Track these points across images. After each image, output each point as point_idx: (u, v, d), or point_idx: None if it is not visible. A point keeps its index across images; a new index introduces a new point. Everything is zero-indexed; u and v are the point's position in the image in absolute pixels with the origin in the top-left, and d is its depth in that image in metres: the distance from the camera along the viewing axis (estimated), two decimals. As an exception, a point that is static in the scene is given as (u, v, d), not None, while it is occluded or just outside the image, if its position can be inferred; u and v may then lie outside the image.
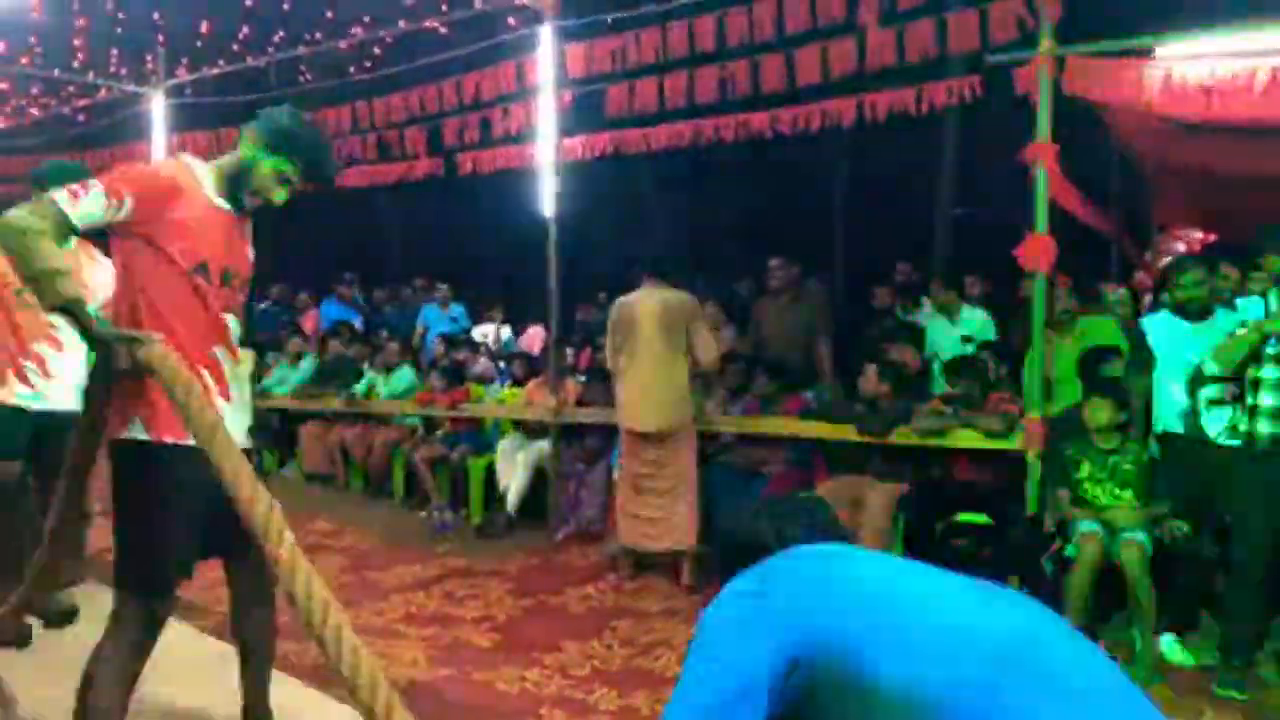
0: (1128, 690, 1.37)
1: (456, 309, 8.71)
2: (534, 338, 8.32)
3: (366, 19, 6.97)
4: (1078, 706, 1.30)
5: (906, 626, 1.40)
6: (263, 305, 9.82)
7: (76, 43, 7.40)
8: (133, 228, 2.38)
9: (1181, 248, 7.35)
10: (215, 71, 7.80)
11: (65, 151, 9.14)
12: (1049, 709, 1.28)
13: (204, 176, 2.51)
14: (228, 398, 2.56)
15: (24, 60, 7.84)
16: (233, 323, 2.60)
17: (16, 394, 3.80)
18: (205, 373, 2.46)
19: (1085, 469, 4.10)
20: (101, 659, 2.43)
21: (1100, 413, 4.04)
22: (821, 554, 1.59)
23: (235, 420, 2.50)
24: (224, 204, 2.53)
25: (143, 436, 2.41)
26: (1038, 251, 4.41)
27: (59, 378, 3.84)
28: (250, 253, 2.68)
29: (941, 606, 1.44)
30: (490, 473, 6.36)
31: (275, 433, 7.84)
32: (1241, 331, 3.65)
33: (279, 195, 2.55)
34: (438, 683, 3.66)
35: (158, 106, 7.97)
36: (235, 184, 2.52)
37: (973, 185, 14.15)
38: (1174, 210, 7.05)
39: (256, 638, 2.82)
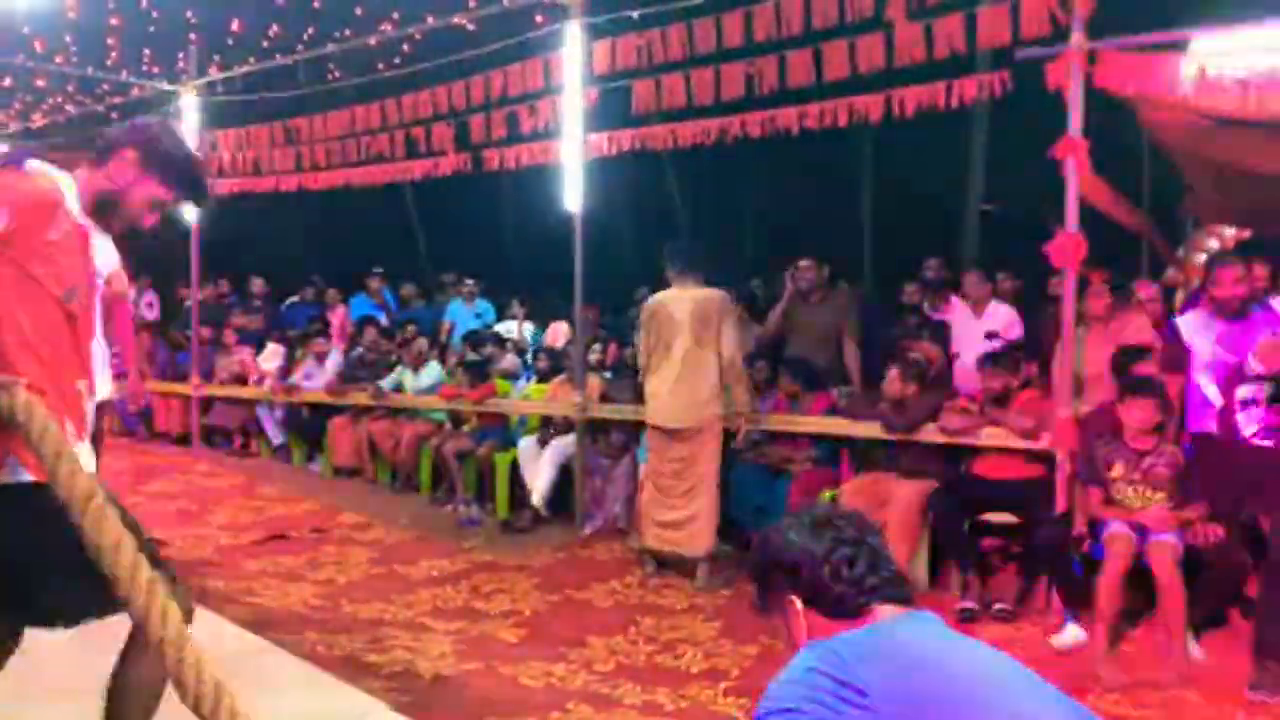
0: None
1: (482, 305, 8.76)
2: (556, 334, 8.34)
3: (395, 16, 7.00)
4: None
5: None
6: (293, 300, 9.93)
7: (110, 41, 7.49)
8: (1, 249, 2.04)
9: (1215, 244, 7.24)
10: (246, 69, 7.88)
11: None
12: None
13: (67, 190, 2.20)
14: (81, 437, 2.21)
15: (59, 59, 7.95)
16: (96, 350, 2.36)
17: None
18: (67, 415, 2.12)
19: (1118, 469, 4.05)
20: None
21: (1140, 413, 3.98)
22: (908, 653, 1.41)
23: (86, 458, 2.16)
24: (86, 222, 2.23)
25: (24, 479, 2.05)
26: (1068, 248, 4.36)
27: None
28: (95, 268, 2.35)
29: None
30: (516, 468, 6.39)
31: (304, 427, 7.91)
32: None
33: (150, 220, 2.30)
34: (464, 676, 3.69)
35: (189, 104, 8.08)
36: (105, 205, 2.24)
37: (1004, 181, 14.01)
38: (1207, 206, 6.92)
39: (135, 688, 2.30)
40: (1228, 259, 4.29)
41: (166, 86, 8.25)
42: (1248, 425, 3.92)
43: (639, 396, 6.07)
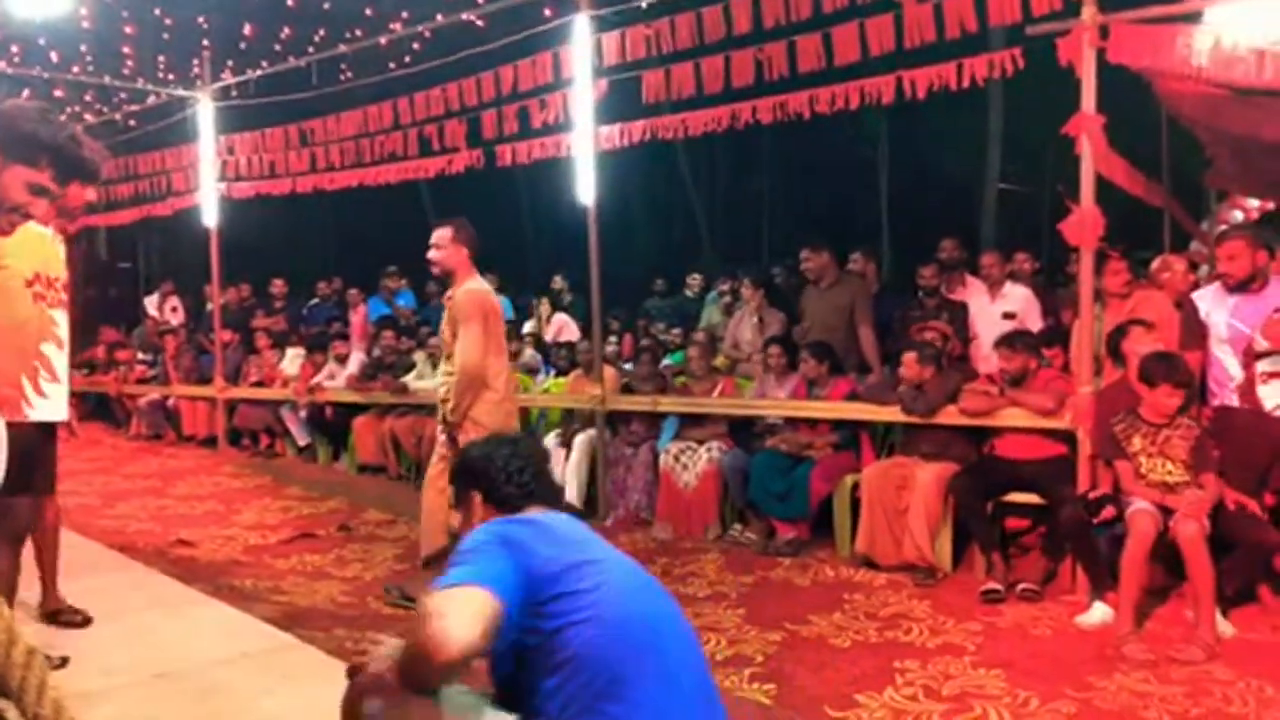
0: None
1: (502, 301, 8.78)
2: (560, 327, 8.37)
3: (404, 15, 7.03)
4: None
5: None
6: (314, 301, 10.01)
7: (125, 50, 7.57)
8: None
9: (1239, 216, 7.15)
10: (259, 73, 7.94)
11: (118, 157, 9.40)
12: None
13: None
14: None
15: (75, 69, 8.04)
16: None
17: (35, 406, 3.31)
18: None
19: (1137, 443, 4.03)
20: None
21: (1169, 399, 3.94)
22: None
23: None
24: None
25: None
26: (1083, 225, 4.33)
27: (63, 382, 3.45)
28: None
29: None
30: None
31: (328, 426, 7.99)
32: None
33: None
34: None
35: (205, 110, 8.16)
36: None
37: (1022, 159, 13.90)
38: (1229, 178, 6.83)
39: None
40: (1229, 234, 4.25)
41: (182, 93, 8.34)
42: (1271, 398, 3.88)
43: (661, 387, 6.11)
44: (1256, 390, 3.91)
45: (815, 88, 5.37)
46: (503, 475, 2.07)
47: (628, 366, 6.92)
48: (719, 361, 6.49)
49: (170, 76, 8.34)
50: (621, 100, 6.19)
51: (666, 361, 6.80)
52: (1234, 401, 4.02)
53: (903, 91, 5.07)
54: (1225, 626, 3.84)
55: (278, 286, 9.62)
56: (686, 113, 6.01)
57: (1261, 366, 3.89)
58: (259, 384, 8.59)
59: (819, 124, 5.91)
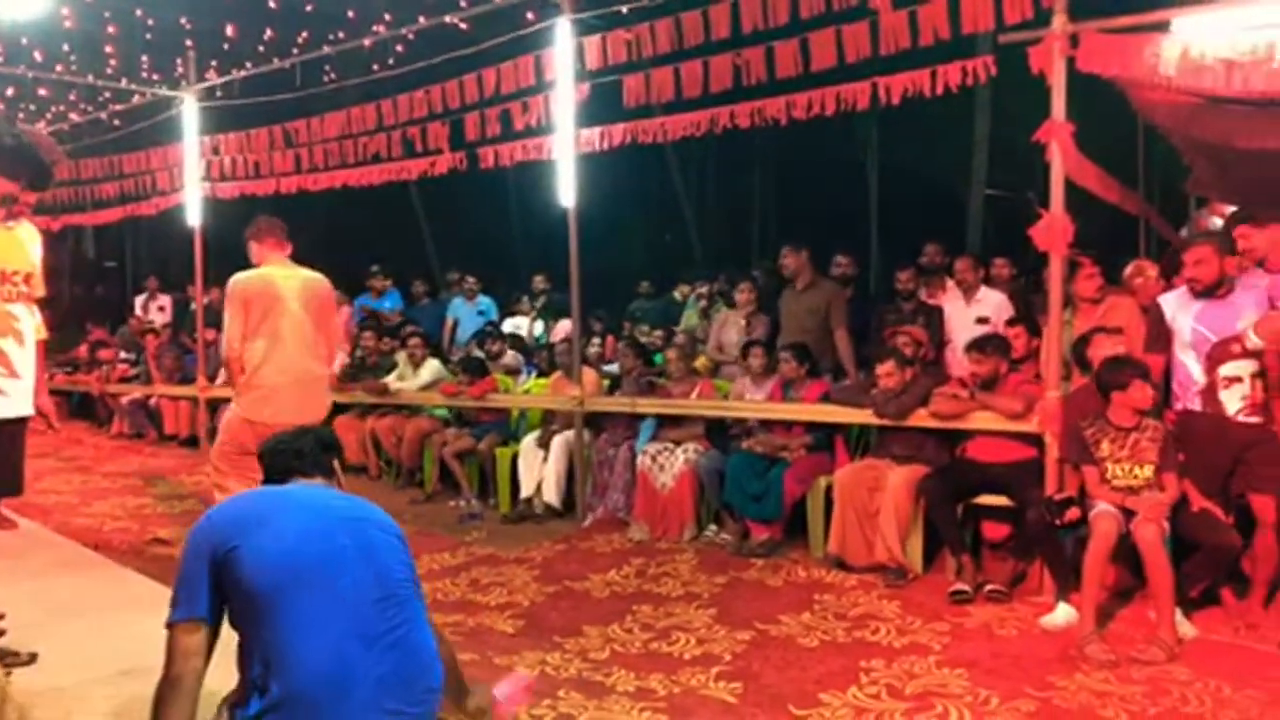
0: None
1: (484, 302, 8.82)
2: (562, 331, 8.38)
3: (388, 17, 7.06)
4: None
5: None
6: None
7: (108, 50, 7.58)
8: None
9: (1219, 223, 7.21)
10: (243, 73, 7.96)
11: (105, 156, 9.41)
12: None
13: None
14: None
15: (59, 68, 8.05)
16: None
17: None
18: None
19: (1106, 448, 4.07)
20: None
21: (1140, 394, 3.99)
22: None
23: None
24: None
25: None
26: (1053, 231, 4.38)
27: (24, 377, 3.40)
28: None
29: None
30: (518, 463, 6.46)
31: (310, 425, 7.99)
32: None
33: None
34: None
35: (189, 110, 8.16)
36: None
37: (1008, 165, 13.95)
38: (1206, 185, 6.90)
39: None
40: (1197, 240, 4.31)
41: (167, 93, 8.35)
42: (1232, 402, 3.93)
43: (644, 389, 6.13)
44: (1219, 394, 3.96)
45: (793, 93, 5.42)
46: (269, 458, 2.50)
47: (608, 368, 6.95)
48: (700, 363, 6.52)
49: (154, 76, 8.35)
50: (605, 103, 6.23)
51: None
52: (1197, 406, 4.07)
53: (878, 97, 5.12)
54: (1187, 628, 3.89)
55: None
56: (666, 116, 6.06)
57: (1223, 371, 3.94)
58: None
59: (809, 129, 5.95)
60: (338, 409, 7.69)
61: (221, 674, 2.21)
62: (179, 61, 8.11)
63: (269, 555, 2.11)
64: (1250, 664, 3.64)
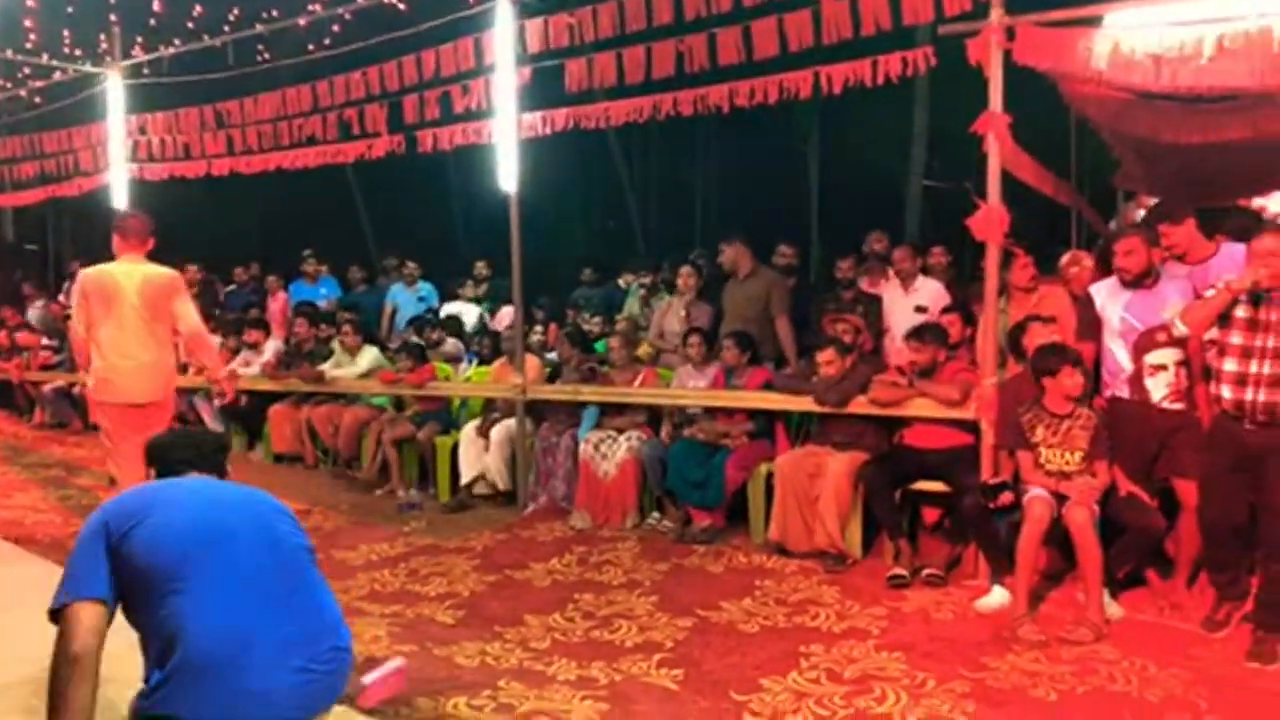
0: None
1: (425, 288, 8.69)
2: (504, 318, 8.29)
3: (324, -5, 6.89)
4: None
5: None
6: (231, 288, 9.77)
7: (28, 23, 7.26)
8: None
9: (1144, 215, 7.42)
10: (172, 51, 7.70)
11: (25, 134, 9.03)
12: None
13: None
14: None
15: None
16: None
17: None
18: None
19: (1040, 433, 4.17)
20: None
21: (1071, 380, 4.08)
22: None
23: None
24: None
25: None
26: (990, 221, 4.45)
27: None
28: None
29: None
30: (458, 451, 6.39)
31: (243, 415, 7.82)
32: (1211, 293, 3.70)
33: None
34: (397, 658, 3.69)
35: (115, 87, 7.87)
36: None
37: (947, 156, 14.17)
38: (1134, 179, 7.09)
39: None
40: (1126, 231, 4.42)
41: (90, 69, 8.04)
42: (1157, 390, 4.05)
43: (586, 376, 6.10)
44: (1145, 382, 4.07)
45: (735, 81, 5.42)
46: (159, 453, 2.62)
47: (551, 355, 6.90)
48: (642, 351, 6.51)
49: (77, 52, 8.03)
50: (547, 87, 6.16)
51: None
52: (1125, 393, 4.18)
53: (819, 87, 5.14)
54: (1114, 608, 4.01)
55: (190, 272, 9.34)
56: (609, 102, 6.01)
57: (1149, 359, 4.05)
58: (181, 366, 8.32)
59: (752, 118, 5.97)
60: (272, 397, 7.54)
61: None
62: (103, 37, 7.81)
63: (165, 533, 2.18)
64: (1174, 643, 3.76)
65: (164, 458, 2.57)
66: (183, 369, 8.22)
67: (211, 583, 2.13)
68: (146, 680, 2.12)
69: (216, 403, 7.99)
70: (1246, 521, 3.72)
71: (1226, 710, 3.21)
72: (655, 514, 5.61)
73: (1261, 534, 3.66)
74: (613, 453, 5.68)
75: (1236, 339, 3.60)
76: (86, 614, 2.12)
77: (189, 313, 4.93)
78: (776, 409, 5.39)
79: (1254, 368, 3.56)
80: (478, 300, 8.52)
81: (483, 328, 7.85)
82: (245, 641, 2.11)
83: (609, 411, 5.96)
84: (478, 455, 6.20)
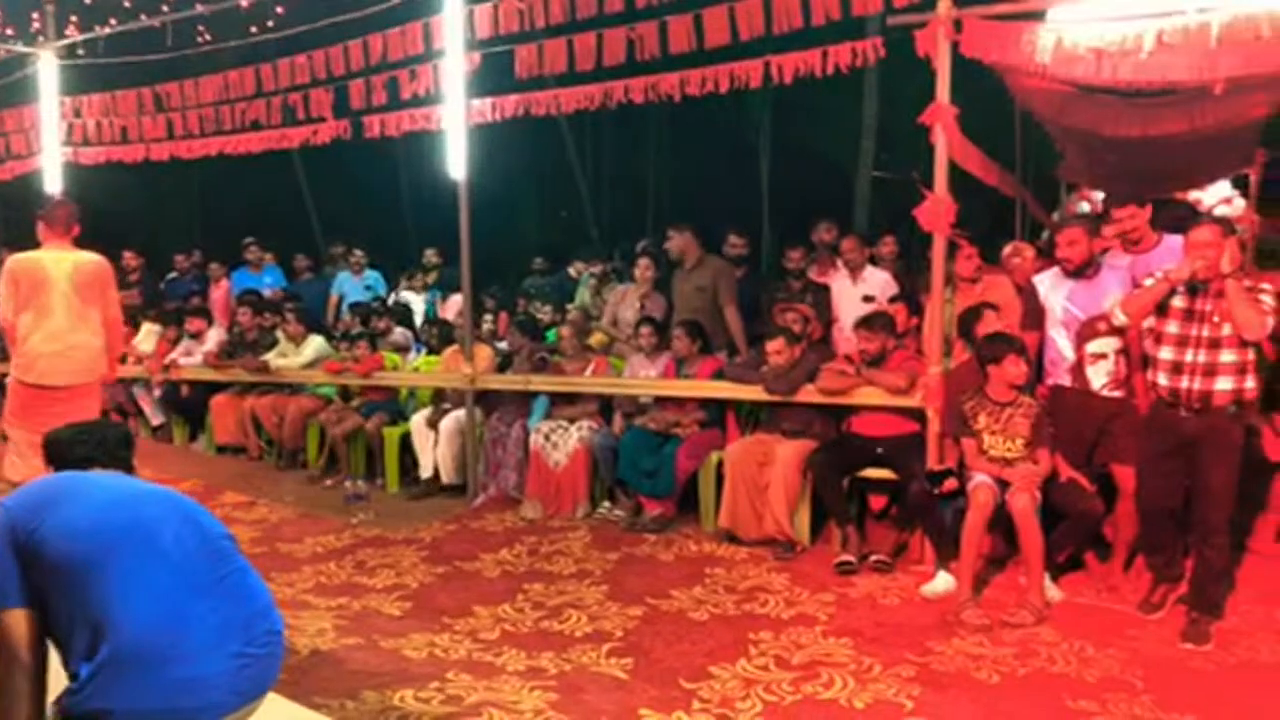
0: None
1: (372, 276, 8.55)
2: (453, 307, 8.20)
3: (268, -24, 6.73)
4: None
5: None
6: (172, 275, 9.53)
7: (-47, 0, 7.00)
8: None
9: (1086, 207, 7.57)
10: (108, 31, 7.46)
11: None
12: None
13: None
14: None
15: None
16: None
17: None
18: None
19: (983, 420, 4.23)
20: None
21: (1014, 369, 4.14)
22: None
23: None
24: None
25: None
26: (936, 212, 4.50)
27: None
28: None
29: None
30: (407, 442, 6.32)
31: (184, 406, 7.64)
32: (1149, 282, 3.78)
33: None
34: (342, 652, 3.65)
35: (47, 68, 7.60)
36: None
37: (896, 146, 14.32)
38: (1076, 171, 7.23)
39: None
40: (1069, 222, 4.51)
41: (21, 49, 7.75)
42: (1097, 378, 4.14)
43: (538, 366, 6.06)
44: (1085, 370, 4.16)
45: (687, 69, 5.40)
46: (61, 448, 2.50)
47: (502, 345, 6.84)
48: (595, 340, 6.49)
49: (8, 31, 7.74)
50: (497, 73, 6.09)
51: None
52: (1066, 381, 4.27)
53: (770, 76, 5.15)
54: (1054, 592, 4.10)
55: (129, 259, 9.10)
56: (560, 89, 5.96)
57: (1090, 348, 4.14)
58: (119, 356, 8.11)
59: (704, 107, 5.96)
60: (215, 387, 7.38)
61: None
62: (35, 15, 7.54)
63: (77, 526, 2.09)
64: (1111, 624, 3.86)
65: (63, 455, 2.46)
66: (122, 359, 8.06)
67: (136, 570, 2.06)
68: (74, 676, 2.05)
69: (157, 393, 7.81)
70: (1181, 506, 3.82)
71: (1161, 689, 3.30)
72: (606, 503, 5.60)
73: (1195, 518, 3.77)
74: (564, 442, 5.65)
75: (1173, 328, 3.69)
76: (14, 620, 2.07)
77: (114, 300, 5.01)
78: (727, 398, 5.40)
79: (1189, 356, 3.65)
80: (427, 289, 8.42)
81: (432, 317, 7.77)
82: (178, 628, 2.05)
83: (560, 401, 5.93)
84: (429, 447, 6.13)
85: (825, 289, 5.85)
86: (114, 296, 5.00)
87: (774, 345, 5.09)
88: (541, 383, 5.91)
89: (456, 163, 5.86)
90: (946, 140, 4.53)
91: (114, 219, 11.92)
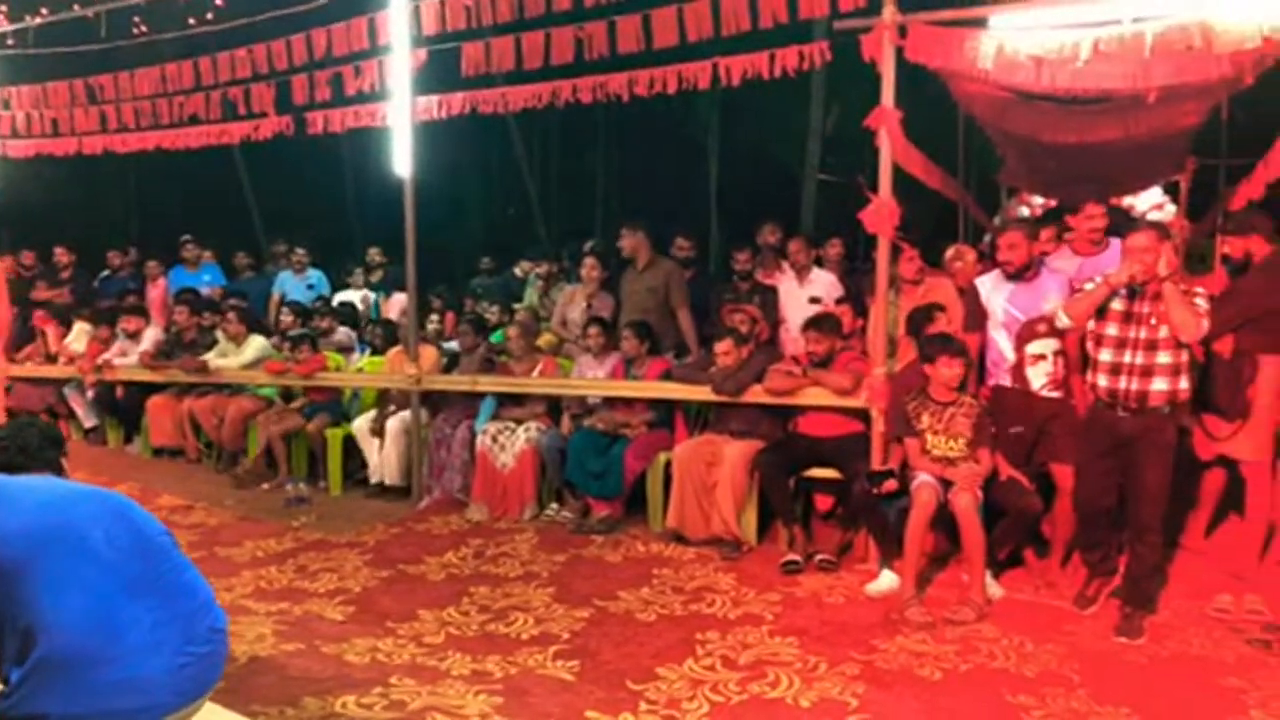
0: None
1: (314, 275, 8.39)
2: (396, 306, 8.09)
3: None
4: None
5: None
6: (105, 273, 9.26)
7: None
8: None
9: (1025, 212, 7.73)
10: (39, 21, 7.22)
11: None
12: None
13: None
14: None
15: None
16: None
17: None
18: None
19: (925, 420, 4.29)
20: None
21: (949, 370, 4.21)
22: None
23: None
24: None
25: None
26: (881, 214, 4.55)
27: None
28: None
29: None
30: (350, 444, 6.22)
31: (119, 407, 7.43)
32: (1090, 286, 3.86)
33: None
34: (282, 658, 3.57)
35: (-26, 57, 7.35)
36: None
37: (842, 149, 14.49)
38: (1016, 176, 7.38)
39: None
40: (1009, 226, 4.60)
41: (-53, 37, 7.47)
42: (1037, 378, 4.22)
43: (485, 367, 6.00)
44: (1025, 371, 4.24)
45: (635, 69, 5.40)
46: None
47: (448, 345, 6.77)
48: (544, 341, 6.44)
49: (-68, 18, 7.45)
50: (444, 70, 6.02)
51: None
52: (1007, 381, 4.34)
53: (718, 78, 5.16)
54: (995, 588, 4.17)
55: (61, 255, 8.82)
56: (508, 87, 5.92)
57: (1030, 349, 4.22)
58: (51, 355, 7.85)
59: (652, 107, 5.95)
60: (152, 388, 7.18)
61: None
62: (-39, 3, 7.27)
63: (5, 530, 2.02)
64: (1049, 620, 3.94)
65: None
66: (52, 359, 7.81)
67: (67, 572, 2.01)
68: (5, 680, 1.99)
69: (90, 394, 7.58)
70: (1116, 503, 3.92)
71: (1096, 682, 3.38)
72: (554, 505, 5.57)
73: (1129, 515, 3.86)
74: (511, 444, 5.61)
75: (1112, 330, 3.78)
76: None
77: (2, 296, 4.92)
78: (675, 399, 5.41)
79: (1127, 357, 3.74)
80: (371, 288, 8.29)
81: (376, 316, 7.66)
82: (111, 629, 2.01)
83: (507, 402, 5.88)
84: (374, 451, 6.04)
85: (772, 290, 5.88)
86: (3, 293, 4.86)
87: (722, 346, 5.11)
88: (489, 383, 5.86)
89: (402, 160, 5.79)
90: (891, 144, 4.58)
91: (47, 214, 11.56)
